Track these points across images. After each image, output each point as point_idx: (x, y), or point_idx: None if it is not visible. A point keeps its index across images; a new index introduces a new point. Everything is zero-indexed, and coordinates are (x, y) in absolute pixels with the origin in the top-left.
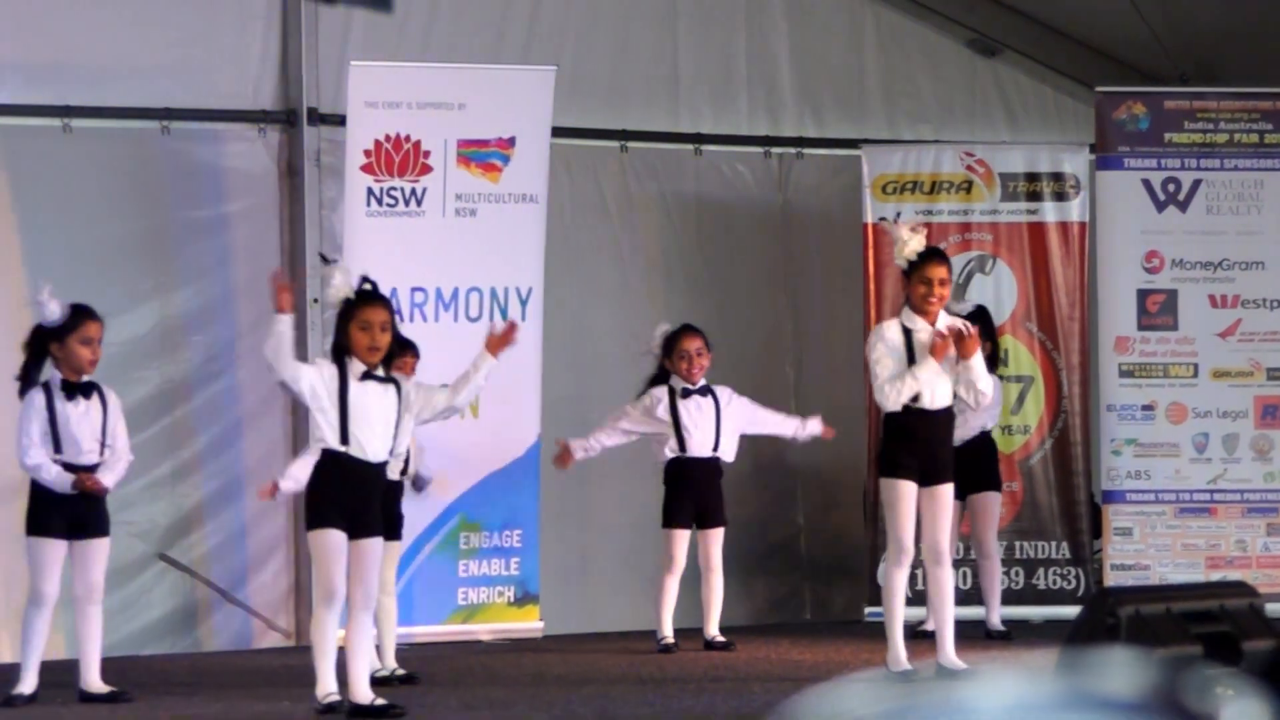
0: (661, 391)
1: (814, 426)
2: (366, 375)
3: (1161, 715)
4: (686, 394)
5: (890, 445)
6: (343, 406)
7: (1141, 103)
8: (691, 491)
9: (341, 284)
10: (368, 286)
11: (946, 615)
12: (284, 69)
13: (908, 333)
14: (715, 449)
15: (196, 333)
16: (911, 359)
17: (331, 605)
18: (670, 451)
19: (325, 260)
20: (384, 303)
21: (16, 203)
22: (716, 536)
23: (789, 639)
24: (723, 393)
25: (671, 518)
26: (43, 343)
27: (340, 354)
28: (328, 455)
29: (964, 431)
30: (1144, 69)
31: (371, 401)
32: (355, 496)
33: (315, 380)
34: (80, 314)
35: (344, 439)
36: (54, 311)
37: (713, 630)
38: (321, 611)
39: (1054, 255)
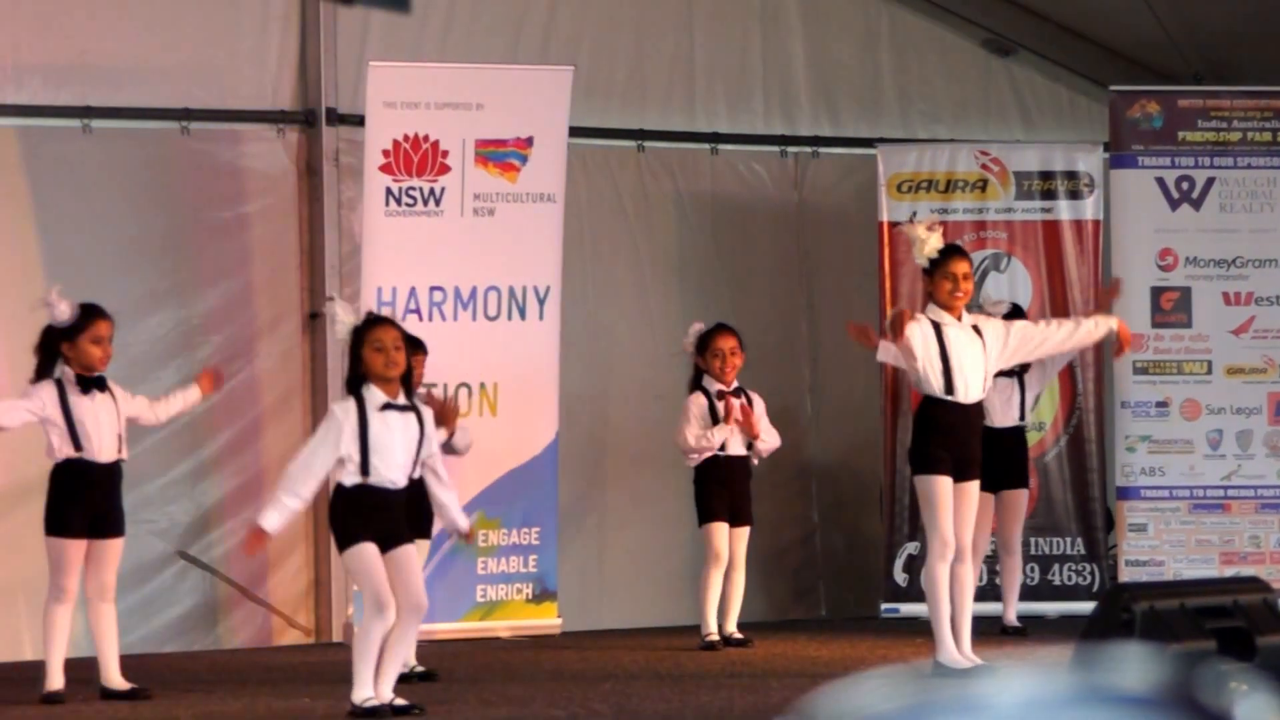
0: (700, 398)
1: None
2: (387, 406)
3: (1177, 711)
4: (720, 395)
5: (923, 440)
6: (363, 440)
7: (1155, 102)
8: (725, 488)
9: (346, 317)
10: (370, 314)
11: (965, 612)
12: (303, 69)
13: (938, 327)
14: (748, 448)
15: (216, 332)
16: (944, 352)
17: (384, 616)
18: (704, 453)
19: (329, 300)
20: (393, 323)
21: (37, 203)
22: (744, 535)
23: (805, 635)
24: (755, 397)
25: (709, 513)
26: (53, 343)
27: (357, 385)
28: (348, 488)
29: (1004, 418)
30: (1157, 68)
31: (394, 432)
32: (381, 517)
33: (337, 438)
34: (90, 313)
35: (364, 471)
36: (64, 311)
37: (731, 627)
38: (374, 623)
39: (1068, 253)
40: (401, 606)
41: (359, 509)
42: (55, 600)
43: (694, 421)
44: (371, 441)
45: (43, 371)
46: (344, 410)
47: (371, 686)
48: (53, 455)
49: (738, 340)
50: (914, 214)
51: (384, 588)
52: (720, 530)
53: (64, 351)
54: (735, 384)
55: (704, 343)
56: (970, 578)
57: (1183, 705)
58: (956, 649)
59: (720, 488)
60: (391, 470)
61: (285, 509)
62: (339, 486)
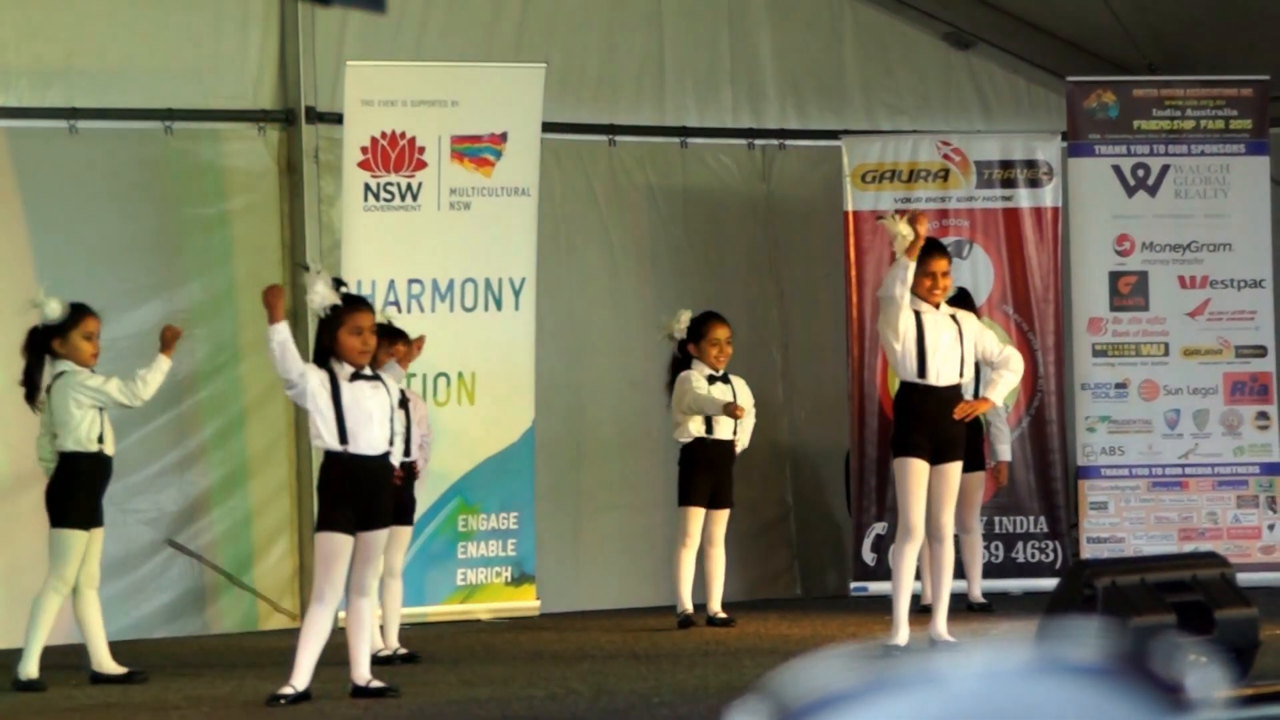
0: (696, 376)
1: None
2: (355, 375)
3: (1132, 681)
4: (711, 380)
5: (900, 424)
6: (338, 408)
7: (1111, 91)
8: (709, 472)
9: (326, 292)
10: (345, 289)
11: (943, 591)
12: (282, 70)
13: (917, 314)
14: (733, 433)
15: (201, 326)
16: (921, 339)
17: (329, 605)
18: (693, 434)
19: (305, 269)
20: (369, 306)
21: (25, 202)
22: (723, 516)
23: (778, 614)
24: (739, 383)
25: (689, 496)
26: (45, 342)
27: (325, 358)
28: (331, 457)
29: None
30: (1113, 59)
31: (365, 398)
32: (363, 492)
33: (316, 383)
34: (80, 310)
35: (342, 439)
36: (55, 309)
37: (715, 606)
38: (318, 609)
39: (1028, 240)
40: (352, 582)
41: (343, 483)
42: (56, 591)
43: (698, 384)
44: (345, 408)
45: (32, 371)
46: (316, 373)
47: (300, 679)
48: (87, 442)
49: (730, 330)
50: (895, 210)
51: (340, 581)
52: (695, 515)
53: (56, 349)
54: (722, 370)
55: (697, 330)
56: (949, 559)
57: (1138, 676)
58: (932, 627)
59: (704, 472)
60: (370, 436)
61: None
62: (325, 456)
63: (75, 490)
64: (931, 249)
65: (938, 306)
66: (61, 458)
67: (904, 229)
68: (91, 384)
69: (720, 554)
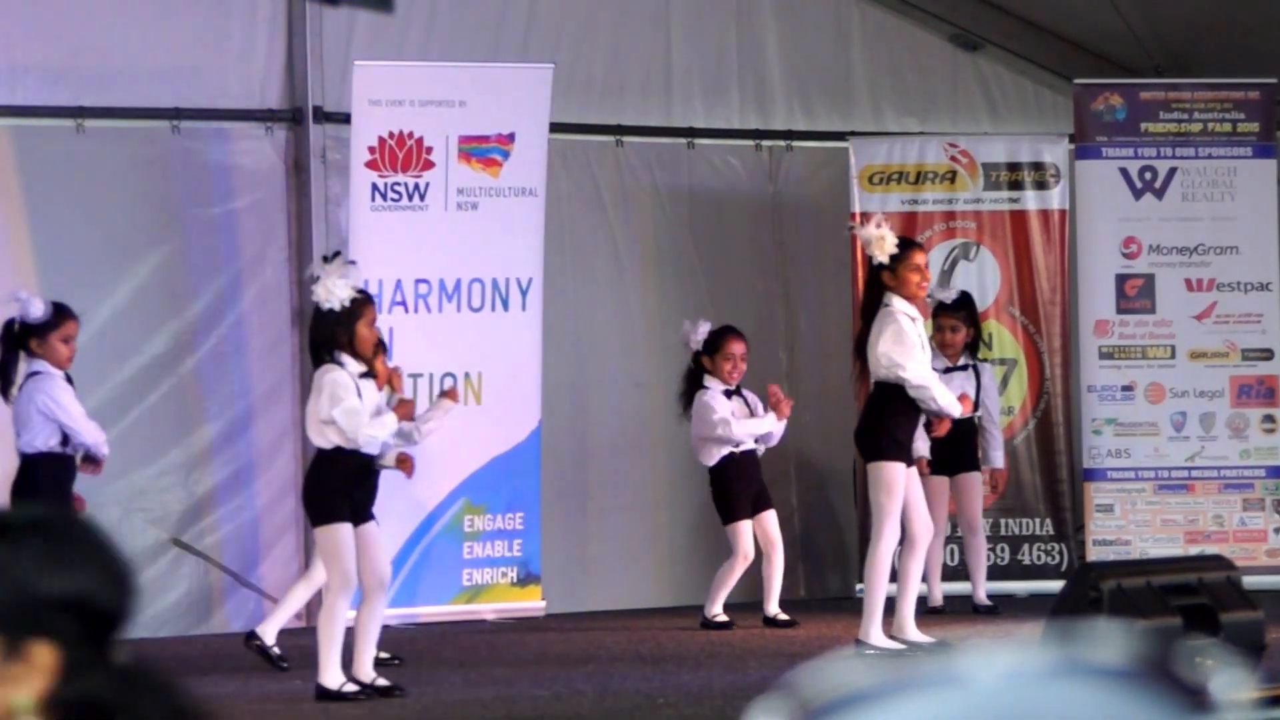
0: (719, 395)
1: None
2: (363, 375)
3: (1154, 684)
4: (729, 395)
5: (884, 425)
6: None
7: (1118, 94)
8: (746, 485)
9: (344, 290)
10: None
11: (910, 589)
12: (290, 69)
13: (914, 321)
14: (754, 442)
15: (206, 325)
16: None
17: (348, 594)
18: (717, 454)
19: (326, 260)
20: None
21: (31, 201)
22: (772, 517)
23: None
24: (751, 396)
25: (734, 513)
26: (21, 338)
27: (329, 350)
28: (328, 454)
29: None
30: (1120, 61)
31: (369, 398)
32: (358, 487)
33: (349, 381)
34: (62, 312)
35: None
36: (38, 308)
37: (774, 608)
38: (340, 602)
39: (1035, 242)
40: (368, 583)
41: (341, 479)
42: None
43: (722, 410)
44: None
45: (7, 368)
46: (342, 373)
47: (340, 670)
48: (48, 446)
49: (746, 345)
50: (851, 225)
51: (353, 567)
52: (744, 528)
53: (33, 348)
54: (735, 385)
55: (713, 344)
56: (919, 562)
57: (1161, 678)
58: (897, 625)
59: (741, 485)
60: (370, 433)
61: (390, 433)
62: (320, 454)
63: (42, 492)
64: (912, 243)
65: (921, 309)
66: (24, 459)
67: (876, 232)
68: (69, 406)
69: (779, 555)
